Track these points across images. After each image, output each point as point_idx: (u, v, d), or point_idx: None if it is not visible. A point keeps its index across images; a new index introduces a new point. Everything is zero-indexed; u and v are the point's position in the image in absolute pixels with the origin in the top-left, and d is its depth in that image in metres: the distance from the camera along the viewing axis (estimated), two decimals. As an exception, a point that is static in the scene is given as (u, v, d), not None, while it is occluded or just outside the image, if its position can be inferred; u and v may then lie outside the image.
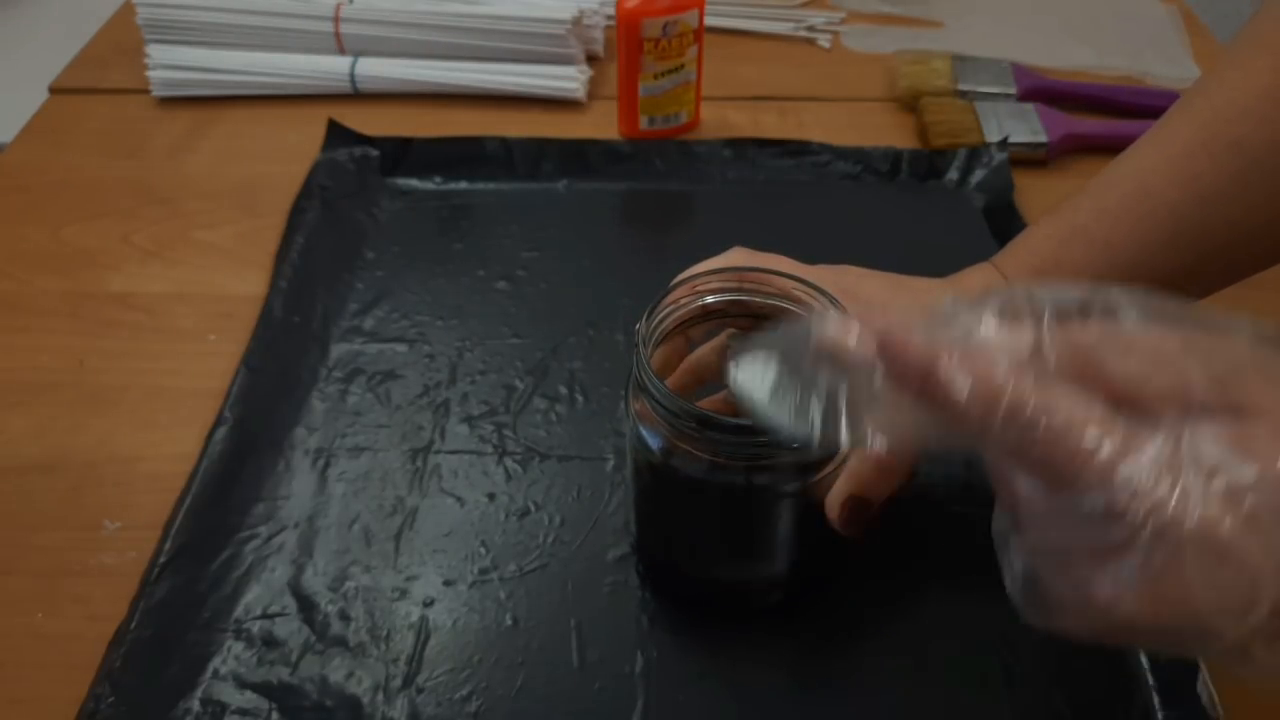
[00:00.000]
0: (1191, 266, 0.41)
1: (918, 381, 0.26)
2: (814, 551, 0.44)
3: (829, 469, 0.38)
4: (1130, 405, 0.25)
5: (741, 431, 0.35)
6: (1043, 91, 0.75)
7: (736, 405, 0.41)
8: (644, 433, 0.38)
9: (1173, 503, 0.23)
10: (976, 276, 0.44)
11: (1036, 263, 0.43)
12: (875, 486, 0.38)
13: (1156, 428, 0.24)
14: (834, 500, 0.38)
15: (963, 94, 0.74)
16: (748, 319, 0.42)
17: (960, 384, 0.25)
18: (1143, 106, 0.74)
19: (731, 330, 0.43)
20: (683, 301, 0.40)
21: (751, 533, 0.41)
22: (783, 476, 0.38)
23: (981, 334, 0.26)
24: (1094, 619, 0.26)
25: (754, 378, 0.30)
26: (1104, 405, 0.25)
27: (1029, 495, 0.26)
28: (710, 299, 0.41)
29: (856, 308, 0.37)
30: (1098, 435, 0.24)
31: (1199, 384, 0.25)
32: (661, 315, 0.39)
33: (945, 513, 0.48)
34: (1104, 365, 0.26)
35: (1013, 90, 0.75)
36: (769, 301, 0.40)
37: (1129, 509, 0.24)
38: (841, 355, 0.27)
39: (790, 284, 0.39)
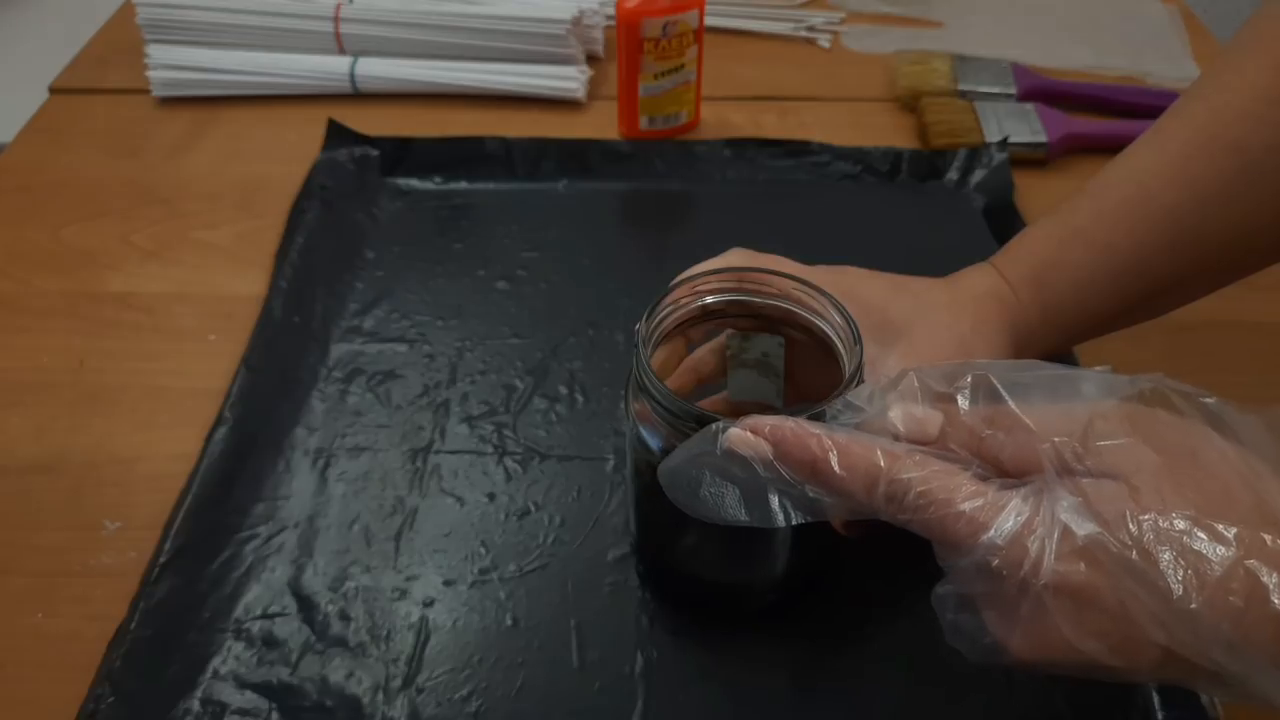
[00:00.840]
0: (1191, 267, 0.41)
1: (809, 472, 0.30)
2: (812, 553, 0.44)
3: None
4: (1011, 474, 0.29)
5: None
6: (1043, 91, 0.75)
7: (735, 407, 0.41)
8: (644, 433, 0.38)
9: (1028, 560, 0.28)
10: (975, 277, 0.44)
11: (1035, 263, 0.43)
12: None
13: (1018, 494, 0.28)
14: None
15: (963, 94, 0.74)
16: (748, 319, 0.42)
17: (841, 471, 0.30)
18: (1143, 106, 0.74)
19: (731, 330, 0.43)
20: (682, 302, 0.40)
21: (750, 534, 0.41)
22: None
23: (890, 416, 0.31)
24: (1004, 659, 0.29)
25: (680, 484, 0.33)
26: (973, 476, 0.29)
27: (938, 553, 0.31)
28: (710, 299, 0.41)
29: (859, 316, 0.38)
30: (964, 504, 0.28)
31: (1068, 452, 0.28)
32: (661, 315, 0.39)
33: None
34: (989, 441, 0.30)
35: (1013, 90, 0.75)
36: (769, 302, 0.40)
37: (995, 567, 0.28)
38: (747, 456, 0.31)
39: (790, 284, 0.39)
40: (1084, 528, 0.27)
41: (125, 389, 0.55)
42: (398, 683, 0.42)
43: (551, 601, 0.45)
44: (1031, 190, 0.67)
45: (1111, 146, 0.72)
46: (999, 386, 0.30)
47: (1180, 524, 0.27)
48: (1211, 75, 0.42)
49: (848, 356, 0.37)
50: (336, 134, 0.70)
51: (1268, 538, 0.26)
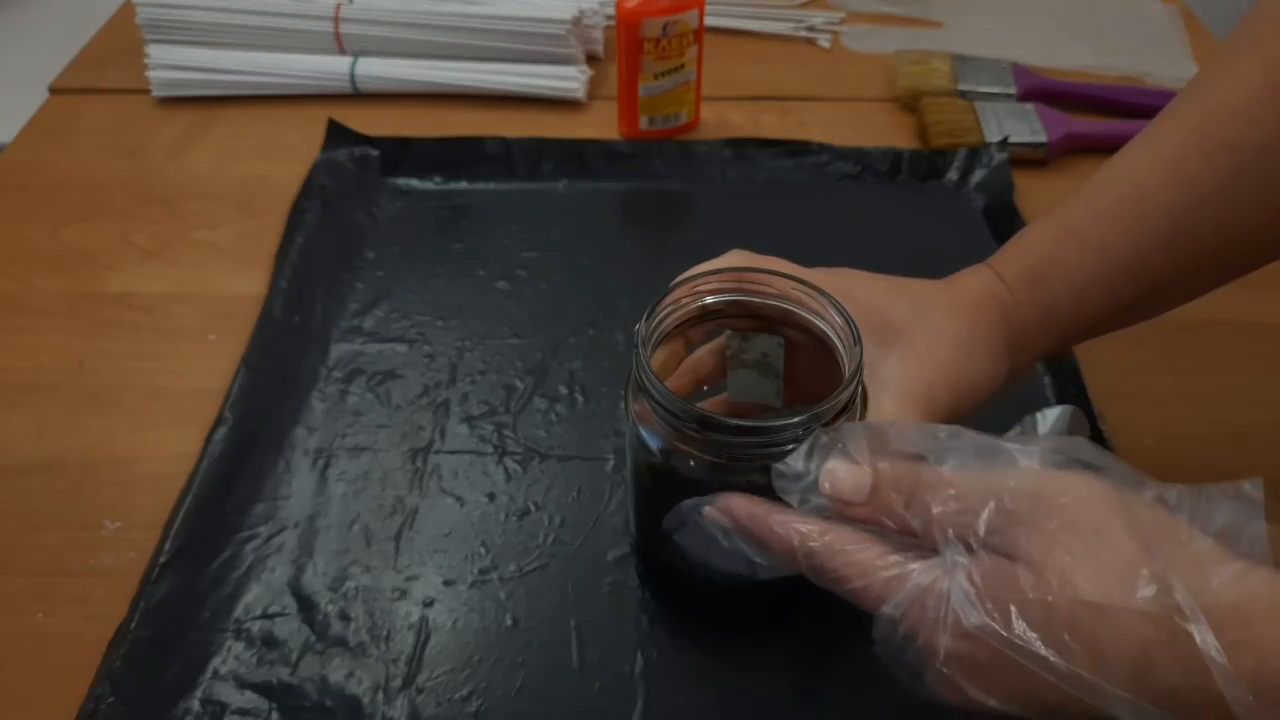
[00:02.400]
0: (1186, 267, 0.41)
1: (757, 545, 0.35)
2: None
3: None
4: (929, 536, 0.31)
5: (742, 433, 0.35)
6: (1043, 91, 0.75)
7: (735, 407, 0.41)
8: (644, 434, 0.38)
9: (924, 634, 0.31)
10: (973, 278, 0.44)
11: (1031, 263, 0.43)
12: None
13: (918, 568, 0.31)
14: None
15: (963, 94, 0.74)
16: (747, 320, 0.42)
17: (773, 543, 0.34)
18: (1142, 106, 0.74)
19: (730, 331, 0.43)
20: (682, 302, 0.40)
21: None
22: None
23: (827, 473, 0.33)
24: (939, 700, 0.32)
25: (697, 542, 0.37)
26: (882, 549, 0.32)
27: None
28: (710, 299, 0.41)
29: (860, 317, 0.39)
30: (868, 577, 0.32)
31: (970, 535, 0.30)
32: (661, 315, 0.39)
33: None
34: (914, 501, 0.32)
35: (1013, 90, 0.75)
36: (768, 302, 0.40)
37: (901, 633, 0.31)
38: (722, 523, 0.36)
39: (790, 284, 0.39)
40: (972, 617, 0.29)
41: (125, 389, 0.55)
42: (398, 683, 0.42)
43: (551, 601, 0.45)
44: (1031, 190, 0.67)
45: (1111, 146, 0.71)
46: (952, 447, 0.33)
47: (1068, 606, 0.28)
48: (1205, 75, 0.42)
49: (847, 357, 0.37)
50: (336, 134, 0.70)
51: (1159, 606, 0.27)
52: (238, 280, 0.61)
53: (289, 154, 0.69)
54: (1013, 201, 0.66)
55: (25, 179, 0.69)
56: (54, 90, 0.77)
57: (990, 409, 0.41)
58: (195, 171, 0.70)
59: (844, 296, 0.39)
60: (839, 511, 0.33)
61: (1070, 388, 0.54)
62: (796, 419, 0.35)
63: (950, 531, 0.31)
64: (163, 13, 0.75)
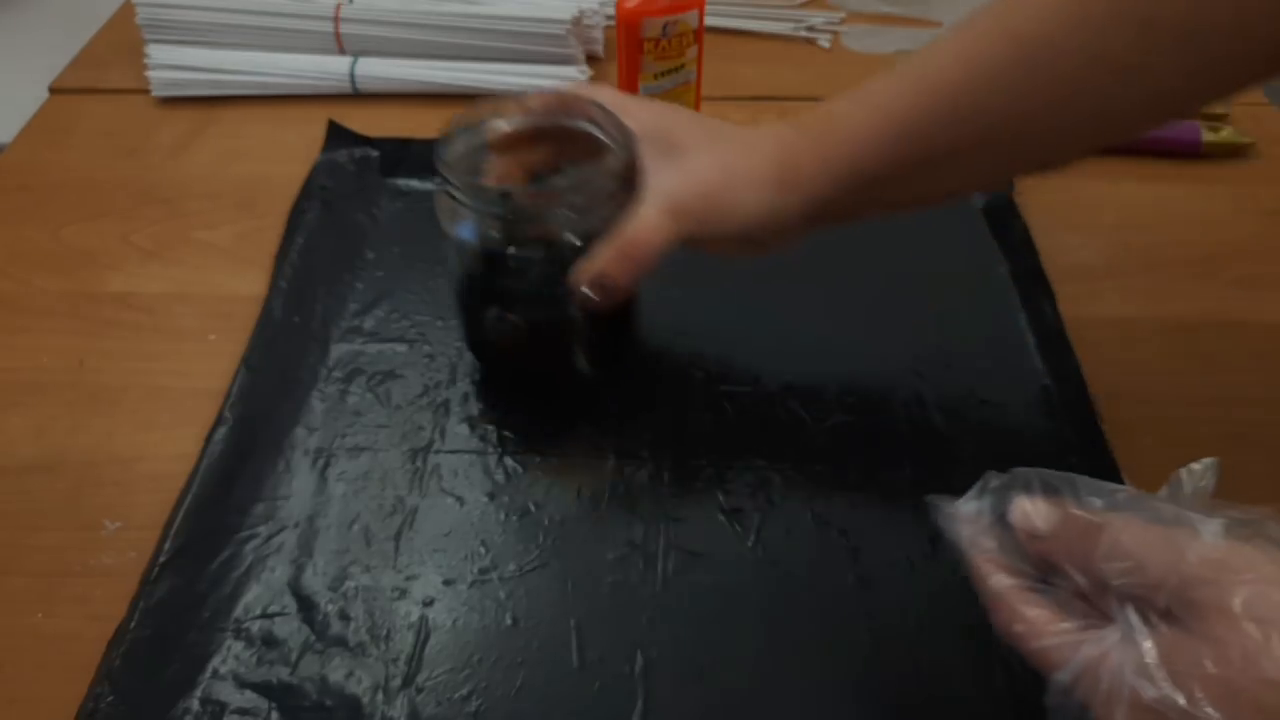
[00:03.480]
0: (964, 141, 0.43)
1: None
2: (605, 326, 0.52)
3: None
4: (1101, 598, 0.32)
5: (538, 196, 0.47)
6: None
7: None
8: (458, 229, 0.46)
9: (1095, 706, 0.31)
10: (769, 125, 0.47)
11: (822, 115, 0.46)
12: (618, 268, 0.45)
13: (1093, 638, 0.31)
14: (583, 273, 0.46)
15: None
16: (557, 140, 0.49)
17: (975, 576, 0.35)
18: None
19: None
20: (504, 113, 0.48)
21: (552, 313, 0.49)
22: (572, 250, 0.46)
23: (1018, 504, 0.34)
24: None
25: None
26: (1054, 609, 0.33)
27: None
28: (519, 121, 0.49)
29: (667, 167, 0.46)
30: (1045, 640, 0.32)
31: (1165, 588, 0.30)
32: (474, 120, 0.48)
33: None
34: (1091, 557, 0.32)
35: None
36: (574, 122, 0.48)
37: (1073, 698, 0.31)
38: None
39: (592, 108, 0.47)
40: (1149, 690, 0.29)
41: (125, 389, 0.55)
42: (397, 682, 0.42)
43: (551, 601, 0.45)
44: (1031, 190, 0.67)
45: (1111, 147, 0.71)
46: (1123, 502, 0.33)
47: (1253, 686, 0.28)
48: None
49: (619, 147, 0.46)
50: (336, 135, 0.70)
51: None
52: (238, 280, 0.61)
53: (289, 154, 0.69)
54: (1013, 200, 0.66)
55: (25, 179, 0.69)
56: (54, 90, 0.77)
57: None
58: (195, 171, 0.70)
59: (653, 122, 0.47)
60: (1024, 544, 0.34)
61: (1070, 388, 0.54)
62: (572, 178, 0.47)
63: (1128, 603, 0.31)
64: (163, 13, 0.75)
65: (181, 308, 0.59)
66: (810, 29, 0.84)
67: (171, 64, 0.75)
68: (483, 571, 0.46)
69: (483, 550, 0.47)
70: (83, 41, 0.83)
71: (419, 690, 0.42)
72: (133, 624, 0.44)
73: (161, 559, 0.46)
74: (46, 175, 0.69)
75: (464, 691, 0.42)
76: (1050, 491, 0.34)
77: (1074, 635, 0.32)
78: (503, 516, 0.49)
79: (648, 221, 0.45)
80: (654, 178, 0.46)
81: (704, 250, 0.47)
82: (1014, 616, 0.34)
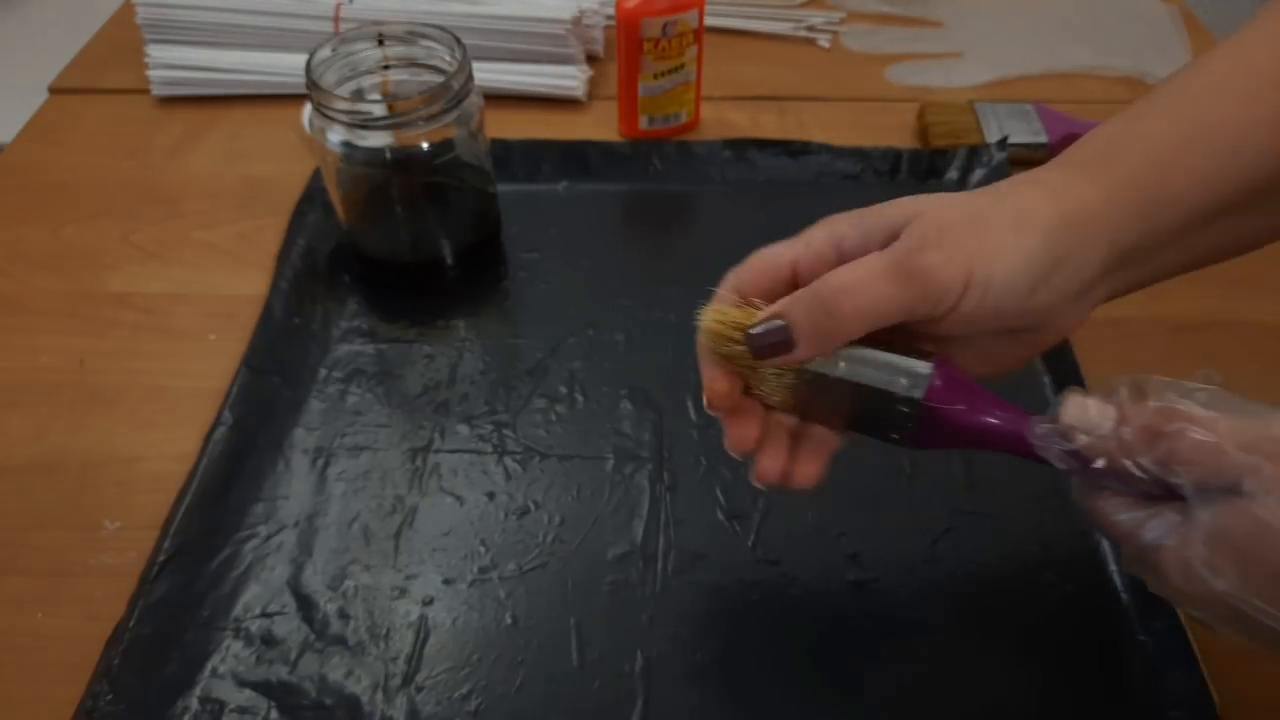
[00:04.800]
0: (1257, 187, 0.36)
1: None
2: (472, 222, 0.58)
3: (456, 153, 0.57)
4: (1170, 480, 0.31)
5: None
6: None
7: None
8: (329, 136, 0.52)
9: (1166, 585, 0.32)
10: (1025, 182, 0.37)
11: (1094, 149, 0.37)
12: (807, 319, 0.35)
13: (1156, 520, 0.32)
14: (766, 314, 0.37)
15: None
16: None
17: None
18: None
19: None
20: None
21: (420, 207, 0.56)
22: (438, 148, 0.54)
23: (1071, 403, 0.34)
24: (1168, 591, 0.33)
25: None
26: (1129, 498, 0.33)
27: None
28: None
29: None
30: (1110, 515, 0.34)
31: (1227, 467, 0.30)
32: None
33: (951, 510, 0.48)
34: (1161, 441, 0.31)
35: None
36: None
37: (1148, 561, 0.33)
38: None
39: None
40: (1218, 584, 0.30)
41: (125, 389, 0.55)
42: (397, 681, 0.42)
43: (551, 600, 0.45)
44: (1031, 190, 0.67)
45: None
46: (1153, 389, 0.32)
47: None
48: None
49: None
50: (336, 134, 0.70)
51: None
52: (238, 280, 0.61)
53: (289, 154, 0.69)
54: (1012, 201, 0.65)
55: (25, 179, 0.69)
56: (54, 90, 0.77)
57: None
58: (195, 171, 0.70)
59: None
60: (1080, 454, 0.33)
61: (1071, 388, 0.54)
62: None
63: (1196, 488, 0.31)
64: (163, 13, 0.75)
65: (181, 308, 0.59)
66: (810, 29, 0.84)
67: (171, 64, 0.75)
68: (482, 571, 0.46)
69: (482, 550, 0.47)
70: (83, 41, 0.83)
71: (418, 689, 0.42)
72: (132, 623, 0.44)
73: (161, 558, 0.46)
74: (46, 175, 0.69)
75: (464, 690, 0.42)
76: (1133, 393, 0.33)
77: (1138, 514, 0.33)
78: (503, 516, 0.49)
79: (863, 270, 0.34)
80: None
81: (940, 333, 0.35)
82: (1082, 494, 0.35)
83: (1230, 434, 0.31)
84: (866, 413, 0.37)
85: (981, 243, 0.33)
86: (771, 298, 0.37)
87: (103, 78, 0.78)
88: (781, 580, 0.46)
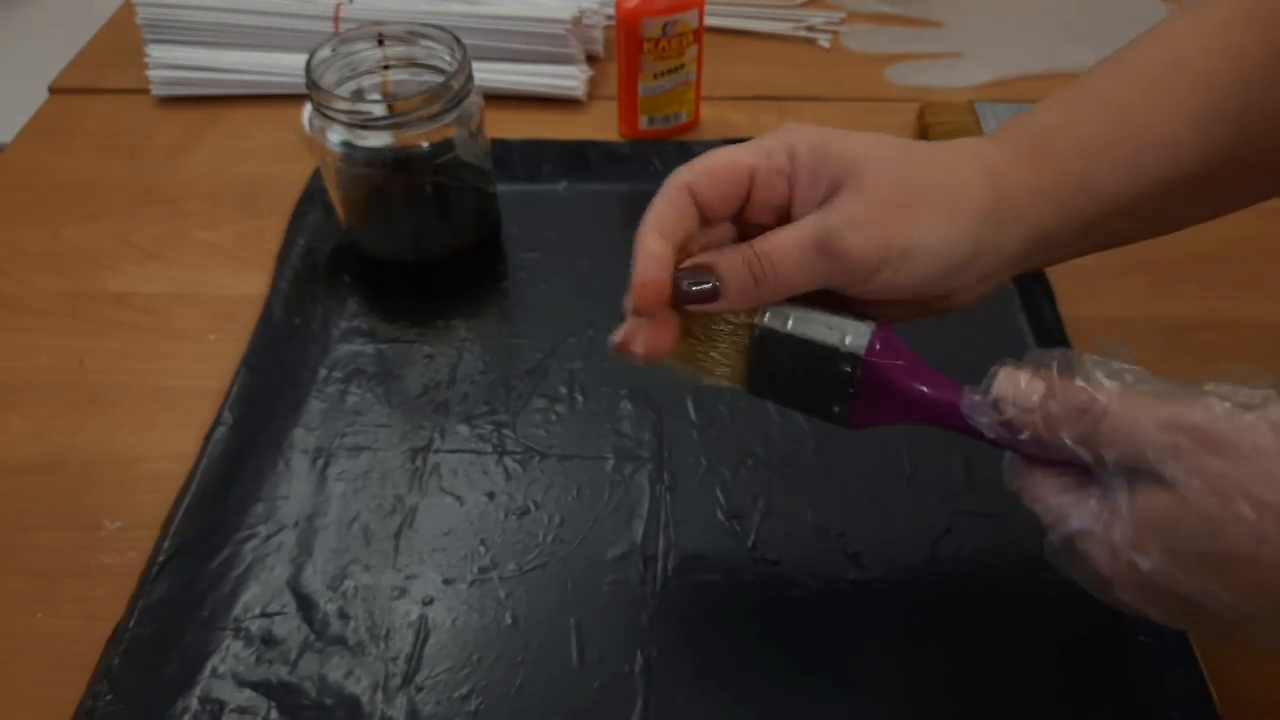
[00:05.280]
0: (1220, 154, 0.36)
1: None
2: (469, 220, 0.59)
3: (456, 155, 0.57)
4: (1096, 460, 0.32)
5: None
6: None
7: None
8: (329, 136, 0.53)
9: (1091, 566, 0.32)
10: (958, 140, 0.38)
11: (1032, 127, 0.38)
12: (734, 275, 0.37)
13: (1089, 496, 0.33)
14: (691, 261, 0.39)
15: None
16: None
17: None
18: None
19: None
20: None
21: (421, 208, 0.57)
22: (438, 148, 0.55)
23: (1002, 375, 0.35)
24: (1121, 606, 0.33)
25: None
26: (1059, 479, 0.34)
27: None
28: None
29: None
30: (1042, 497, 0.34)
31: (1158, 451, 0.30)
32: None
33: (951, 510, 0.48)
34: (1084, 418, 0.32)
35: None
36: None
37: (1068, 554, 0.34)
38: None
39: None
40: (1144, 563, 0.31)
41: (125, 389, 0.55)
42: (397, 681, 0.42)
43: (551, 600, 0.45)
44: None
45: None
46: (1082, 366, 0.33)
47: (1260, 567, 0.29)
48: None
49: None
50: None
51: None
52: (238, 280, 0.61)
53: (289, 154, 0.69)
54: (1012, 201, 0.66)
55: (25, 179, 0.69)
56: (54, 90, 0.77)
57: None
58: (195, 171, 0.70)
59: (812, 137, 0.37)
60: (1008, 424, 0.34)
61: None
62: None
63: (1120, 471, 0.31)
64: (163, 13, 0.75)
65: (181, 308, 0.59)
66: (810, 29, 0.84)
67: (171, 64, 0.75)
68: (482, 571, 0.46)
69: (482, 550, 0.47)
70: (83, 41, 0.83)
71: (418, 689, 0.42)
72: (132, 623, 0.44)
73: (161, 558, 0.46)
74: (46, 175, 0.69)
75: (463, 690, 0.42)
76: (1063, 369, 0.34)
77: (1065, 496, 0.33)
78: (502, 516, 0.49)
79: (789, 240, 0.36)
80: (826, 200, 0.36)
81: (859, 296, 0.37)
82: (1013, 471, 0.35)
83: (1150, 414, 0.31)
84: (810, 376, 0.38)
85: (907, 228, 0.35)
86: (728, 204, 0.39)
87: (103, 78, 0.78)
88: (781, 580, 0.46)
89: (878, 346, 0.37)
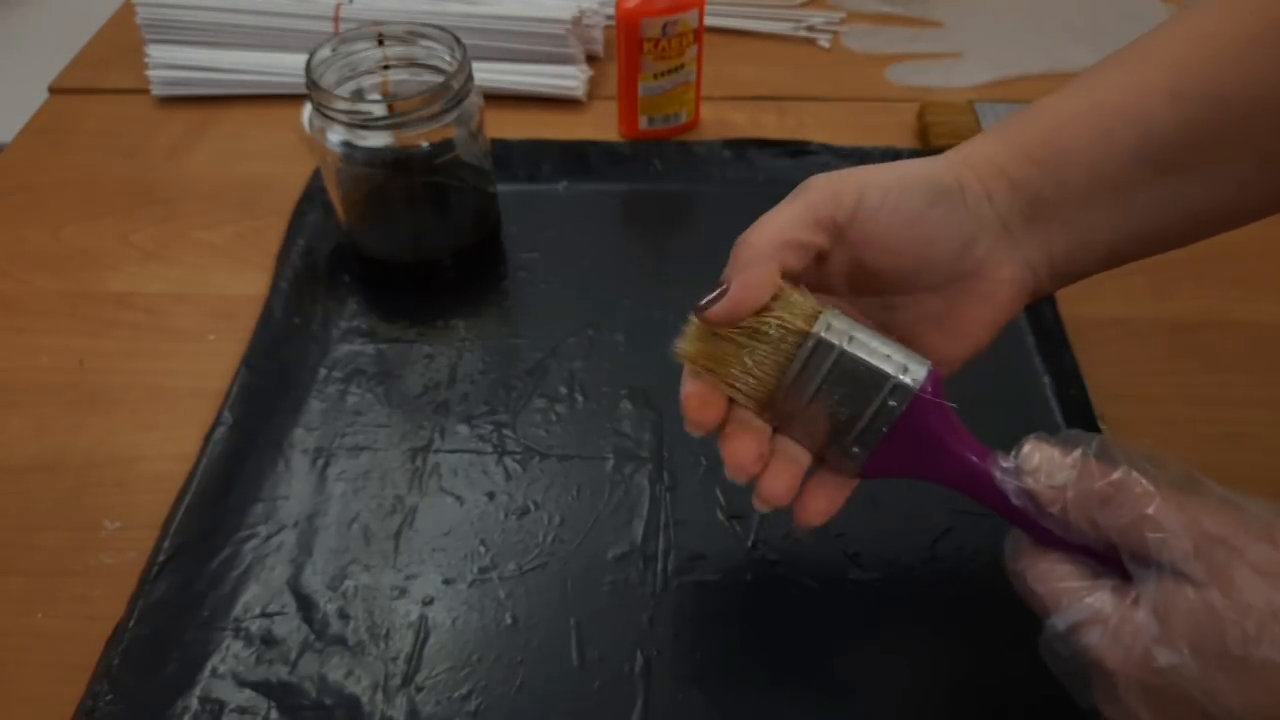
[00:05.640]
0: (1202, 124, 0.36)
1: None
2: (471, 220, 0.59)
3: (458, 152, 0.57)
4: (1114, 550, 0.32)
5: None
6: None
7: None
8: (330, 136, 0.53)
9: (1094, 655, 0.31)
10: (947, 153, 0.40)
11: (1005, 121, 0.40)
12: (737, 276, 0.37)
13: (1099, 587, 0.32)
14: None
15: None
16: None
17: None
18: None
19: None
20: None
21: (421, 207, 0.58)
22: (438, 148, 0.55)
23: (1033, 448, 0.34)
24: (1100, 710, 0.33)
25: None
26: (1065, 556, 0.33)
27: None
28: None
29: None
30: (1047, 581, 0.33)
31: (1173, 552, 0.30)
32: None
33: (951, 510, 0.48)
34: (1108, 511, 0.32)
35: None
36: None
37: (1066, 645, 0.32)
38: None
39: None
40: (1163, 657, 0.30)
41: (125, 389, 0.55)
42: (397, 681, 0.42)
43: (551, 600, 0.45)
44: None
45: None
46: (1120, 455, 0.32)
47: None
48: None
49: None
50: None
51: None
52: (238, 280, 0.61)
53: (289, 154, 0.69)
54: (1012, 201, 0.66)
55: (25, 179, 0.69)
56: (54, 90, 0.77)
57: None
58: (195, 171, 0.70)
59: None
60: (1035, 497, 0.33)
61: (1070, 388, 0.54)
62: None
63: (1141, 562, 0.31)
64: (163, 13, 0.75)
65: (181, 308, 0.59)
66: (810, 29, 0.84)
67: (171, 64, 0.75)
68: (482, 571, 0.46)
69: (482, 550, 0.47)
70: (83, 41, 0.83)
71: (418, 689, 0.42)
72: (132, 623, 0.44)
73: (161, 558, 0.46)
74: (46, 175, 0.69)
75: (463, 690, 0.42)
76: (1100, 454, 0.33)
77: (1076, 581, 0.32)
78: (502, 516, 0.49)
79: (768, 213, 0.38)
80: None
81: (898, 310, 0.38)
82: (1020, 552, 0.34)
83: (1191, 514, 0.30)
84: (846, 405, 0.35)
85: (869, 172, 0.38)
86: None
87: (103, 78, 0.78)
88: (781, 580, 0.46)
89: (929, 389, 0.35)
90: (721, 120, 0.74)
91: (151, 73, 0.75)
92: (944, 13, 0.87)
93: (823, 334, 0.35)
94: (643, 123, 0.71)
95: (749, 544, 0.47)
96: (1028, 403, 0.54)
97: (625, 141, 0.71)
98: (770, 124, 0.74)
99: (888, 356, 0.35)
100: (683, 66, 0.69)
